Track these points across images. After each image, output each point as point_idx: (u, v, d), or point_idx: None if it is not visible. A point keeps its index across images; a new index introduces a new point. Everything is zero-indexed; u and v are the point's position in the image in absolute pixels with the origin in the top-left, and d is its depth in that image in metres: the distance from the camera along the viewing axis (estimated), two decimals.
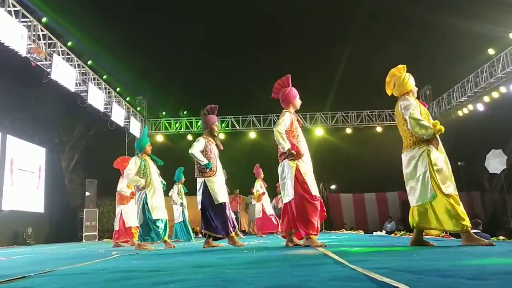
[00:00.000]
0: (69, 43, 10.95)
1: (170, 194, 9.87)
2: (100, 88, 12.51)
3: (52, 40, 10.13)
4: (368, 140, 16.86)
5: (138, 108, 15.82)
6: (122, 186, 7.92)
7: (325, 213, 4.42)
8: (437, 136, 3.54)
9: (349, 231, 11.93)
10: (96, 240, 12.60)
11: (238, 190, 13.79)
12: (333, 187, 19.96)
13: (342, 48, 16.53)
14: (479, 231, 5.61)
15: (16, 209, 10.45)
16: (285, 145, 4.26)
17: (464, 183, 13.44)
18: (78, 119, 17.29)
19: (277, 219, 10.29)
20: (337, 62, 16.50)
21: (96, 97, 11.90)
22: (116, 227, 8.07)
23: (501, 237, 5.72)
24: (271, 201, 11.05)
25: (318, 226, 4.25)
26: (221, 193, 5.22)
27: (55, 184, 13.04)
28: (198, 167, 5.23)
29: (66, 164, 17.41)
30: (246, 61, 18.79)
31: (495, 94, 12.78)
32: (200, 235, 12.12)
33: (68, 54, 10.88)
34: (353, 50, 16.03)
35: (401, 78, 3.85)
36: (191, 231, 9.76)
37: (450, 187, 3.51)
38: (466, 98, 13.81)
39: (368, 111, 16.00)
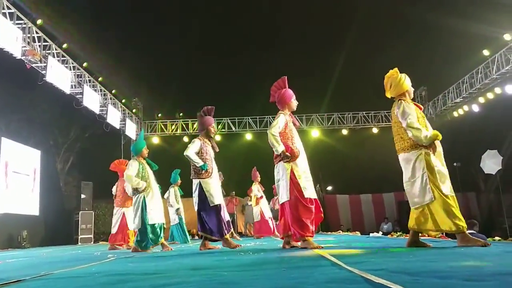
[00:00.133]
0: (64, 45, 10.91)
1: (165, 197, 9.82)
2: (95, 90, 12.46)
3: (47, 42, 10.11)
4: (364, 141, 16.89)
5: (133, 110, 15.78)
6: (129, 189, 7.72)
7: (322, 215, 4.42)
8: (435, 142, 3.57)
9: (346, 233, 11.92)
10: (92, 242, 12.51)
11: (234, 192, 13.77)
12: (329, 188, 19.97)
13: (338, 50, 16.61)
14: (475, 232, 5.62)
15: (11, 212, 10.37)
16: (279, 148, 4.25)
17: (459, 184, 13.48)
18: (73, 121, 17.27)
19: (274, 221, 10.32)
20: (333, 64, 16.58)
21: (92, 99, 11.87)
22: (114, 230, 7.90)
23: (496, 238, 5.72)
24: (268, 203, 11.04)
25: (313, 228, 4.25)
26: (216, 195, 5.21)
27: (50, 187, 12.93)
28: (194, 168, 5.21)
29: (62, 166, 17.37)
30: (242, 62, 18.83)
31: (490, 95, 12.83)
32: (196, 237, 12.10)
33: (63, 56, 10.85)
34: (348, 51, 16.09)
35: (397, 79, 3.90)
36: (187, 233, 9.73)
37: (448, 188, 3.53)
38: (461, 99, 13.87)
39: (364, 113, 16.02)
